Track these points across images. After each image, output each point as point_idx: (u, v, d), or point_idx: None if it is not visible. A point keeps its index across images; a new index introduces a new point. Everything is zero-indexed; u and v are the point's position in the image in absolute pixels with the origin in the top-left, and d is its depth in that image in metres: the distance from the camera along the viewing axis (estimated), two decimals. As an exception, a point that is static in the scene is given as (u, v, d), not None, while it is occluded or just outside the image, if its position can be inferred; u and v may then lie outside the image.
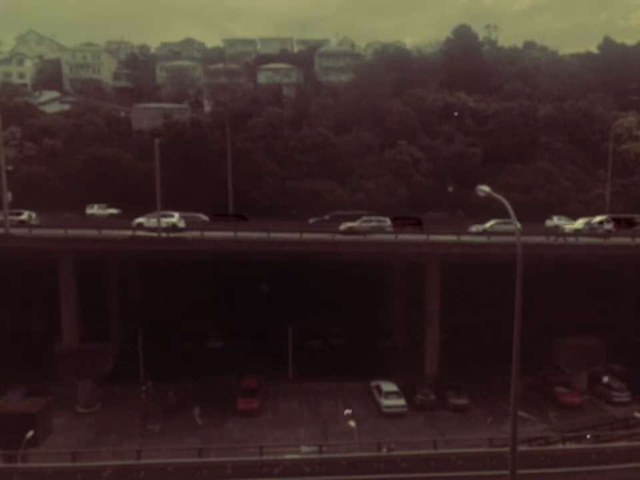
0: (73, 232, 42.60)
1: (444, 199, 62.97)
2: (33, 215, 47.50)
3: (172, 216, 45.41)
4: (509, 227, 44.97)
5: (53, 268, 42.46)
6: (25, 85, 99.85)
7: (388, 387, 43.01)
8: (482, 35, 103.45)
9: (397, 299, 54.16)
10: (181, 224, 45.60)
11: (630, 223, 50.48)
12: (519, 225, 18.77)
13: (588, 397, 44.13)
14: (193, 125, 65.47)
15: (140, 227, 44.64)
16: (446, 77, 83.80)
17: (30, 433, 30.28)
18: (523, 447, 30.31)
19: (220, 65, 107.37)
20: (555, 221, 56.00)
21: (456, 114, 72.71)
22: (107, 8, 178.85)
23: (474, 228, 49.01)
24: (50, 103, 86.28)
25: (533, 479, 28.26)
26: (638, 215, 52.97)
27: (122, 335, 50.28)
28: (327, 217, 50.88)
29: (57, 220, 47.15)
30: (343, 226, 46.35)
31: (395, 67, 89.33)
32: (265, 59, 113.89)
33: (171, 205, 48.99)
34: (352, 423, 33.72)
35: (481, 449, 33.26)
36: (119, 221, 50.93)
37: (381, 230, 47.11)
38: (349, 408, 37.65)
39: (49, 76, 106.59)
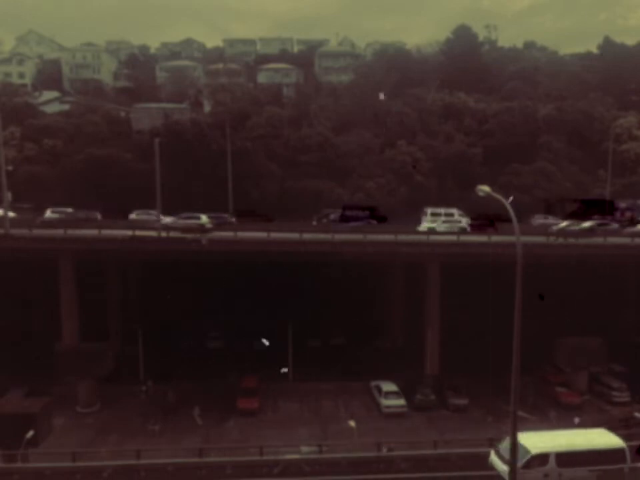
0: (72, 232, 42.60)
1: (444, 199, 62.86)
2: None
3: None
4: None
5: (53, 268, 42.45)
6: (24, 85, 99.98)
7: (388, 386, 43.00)
8: (482, 35, 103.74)
9: (397, 299, 54.08)
10: None
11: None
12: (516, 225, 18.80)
13: (588, 397, 44.16)
14: (193, 125, 65.38)
15: None
16: (446, 77, 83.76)
17: (30, 433, 30.25)
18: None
19: (220, 65, 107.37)
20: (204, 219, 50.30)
21: None
22: (106, 8, 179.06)
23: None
24: (50, 103, 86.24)
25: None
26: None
27: (122, 335, 50.22)
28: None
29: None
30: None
31: (395, 67, 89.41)
32: (264, 59, 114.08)
33: (171, 204, 49.16)
34: (352, 423, 33.74)
35: (481, 449, 33.22)
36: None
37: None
38: (348, 408, 37.62)
39: (49, 76, 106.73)
